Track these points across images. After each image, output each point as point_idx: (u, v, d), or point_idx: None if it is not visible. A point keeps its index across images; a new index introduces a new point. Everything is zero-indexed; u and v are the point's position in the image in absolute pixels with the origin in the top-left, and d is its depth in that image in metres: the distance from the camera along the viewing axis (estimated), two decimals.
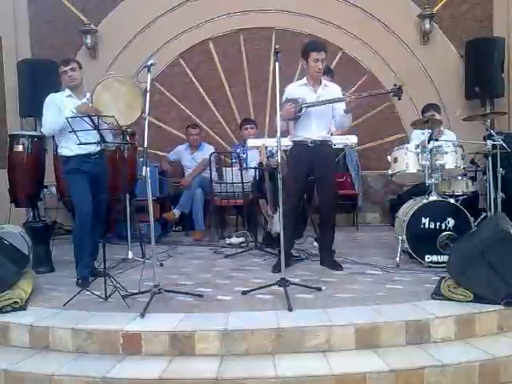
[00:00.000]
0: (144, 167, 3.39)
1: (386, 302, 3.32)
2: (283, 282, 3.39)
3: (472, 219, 4.25)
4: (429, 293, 3.43)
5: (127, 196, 4.93)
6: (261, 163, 5.14)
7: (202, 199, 6.11)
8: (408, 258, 4.36)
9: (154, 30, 6.95)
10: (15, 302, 3.36)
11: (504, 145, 4.66)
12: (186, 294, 3.56)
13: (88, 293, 3.52)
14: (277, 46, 3.69)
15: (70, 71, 4.08)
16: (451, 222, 4.18)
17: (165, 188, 6.51)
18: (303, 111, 4.18)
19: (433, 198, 4.30)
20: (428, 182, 4.35)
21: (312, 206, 5.21)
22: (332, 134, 5.18)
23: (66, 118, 3.74)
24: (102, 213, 4.19)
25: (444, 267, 3.84)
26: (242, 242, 5.51)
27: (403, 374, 2.72)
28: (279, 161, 3.52)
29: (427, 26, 6.71)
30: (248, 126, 6.22)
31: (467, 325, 3.08)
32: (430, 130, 4.54)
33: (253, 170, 5.73)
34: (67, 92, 4.15)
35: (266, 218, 5.31)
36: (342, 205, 6.64)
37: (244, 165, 5.90)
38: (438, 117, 5.19)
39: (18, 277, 3.65)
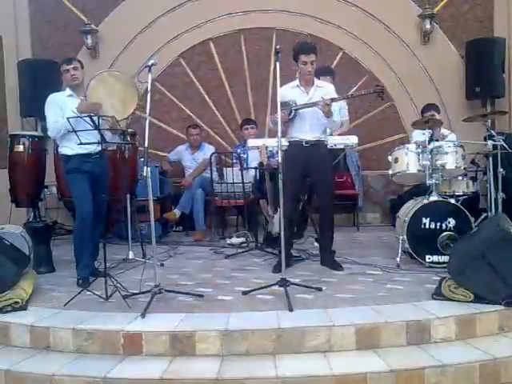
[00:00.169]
0: (145, 167, 3.39)
1: (387, 302, 3.32)
2: (284, 282, 3.39)
3: (472, 219, 4.25)
4: (429, 293, 3.43)
5: (128, 196, 4.93)
6: (261, 163, 5.14)
7: (203, 199, 6.11)
8: (408, 258, 4.36)
9: (155, 30, 6.95)
10: (16, 302, 3.36)
11: (504, 145, 4.66)
12: (187, 294, 3.56)
13: (89, 293, 3.53)
14: (277, 46, 3.69)
15: (73, 70, 4.09)
16: (452, 222, 4.18)
17: (165, 188, 6.51)
18: (292, 114, 4.18)
19: (433, 198, 4.30)
20: (428, 182, 4.36)
21: (312, 206, 5.21)
22: (332, 134, 5.22)
23: (67, 118, 3.74)
24: (103, 213, 4.18)
25: (444, 267, 3.84)
26: (243, 242, 5.51)
27: (404, 374, 2.72)
28: (280, 161, 3.53)
29: (428, 26, 6.70)
30: (248, 126, 6.22)
31: (468, 325, 3.08)
32: (430, 131, 4.55)
33: (253, 170, 5.73)
34: (68, 92, 4.16)
35: (266, 218, 5.31)
36: (342, 205, 6.66)
37: (244, 165, 5.90)
38: (437, 117, 5.19)
39: (18, 277, 3.66)
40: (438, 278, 3.64)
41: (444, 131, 5.29)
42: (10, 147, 4.62)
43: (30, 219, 4.78)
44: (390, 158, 4.68)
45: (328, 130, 5.15)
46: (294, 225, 4.69)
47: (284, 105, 4.21)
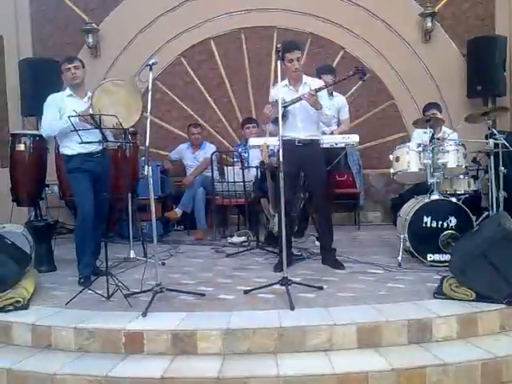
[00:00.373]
0: (146, 166, 3.39)
1: (388, 300, 3.32)
2: (285, 281, 3.39)
3: (474, 218, 4.25)
4: (431, 292, 3.43)
5: (129, 195, 4.93)
6: (262, 162, 5.14)
7: (204, 198, 6.11)
8: (410, 257, 4.36)
9: (156, 29, 6.95)
10: (17, 301, 3.36)
11: (506, 143, 4.65)
12: (188, 293, 3.57)
13: (90, 292, 3.53)
14: (278, 45, 3.70)
15: (74, 69, 4.08)
16: (453, 220, 4.18)
17: (166, 187, 6.52)
18: (281, 112, 4.16)
19: (435, 196, 4.30)
20: (430, 180, 4.35)
21: (313, 205, 5.20)
22: (332, 133, 5.22)
23: (69, 117, 3.74)
24: (104, 212, 4.19)
25: (446, 266, 3.84)
26: (244, 241, 5.51)
27: (405, 373, 2.71)
28: (281, 160, 3.52)
29: (429, 24, 6.69)
30: (250, 125, 6.22)
31: (469, 324, 3.08)
32: (431, 129, 4.54)
33: (254, 169, 5.73)
34: (68, 91, 4.15)
35: (267, 217, 5.31)
36: (343, 203, 6.67)
37: (246, 164, 5.90)
38: (439, 115, 5.18)
39: (19, 276, 3.66)
40: (440, 277, 3.64)
41: (445, 130, 5.29)
42: (11, 146, 4.62)
43: (32, 218, 4.78)
44: (391, 156, 4.67)
45: (326, 129, 5.18)
46: (293, 224, 4.69)
47: (274, 104, 4.23)
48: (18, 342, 3.15)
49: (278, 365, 2.78)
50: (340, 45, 6.92)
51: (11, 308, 3.34)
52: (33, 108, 6.18)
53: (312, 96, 4.08)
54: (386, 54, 6.86)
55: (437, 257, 4.16)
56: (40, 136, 4.64)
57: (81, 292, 3.51)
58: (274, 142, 4.81)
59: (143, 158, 3.60)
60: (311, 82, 4.32)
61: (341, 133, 5.18)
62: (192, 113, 7.10)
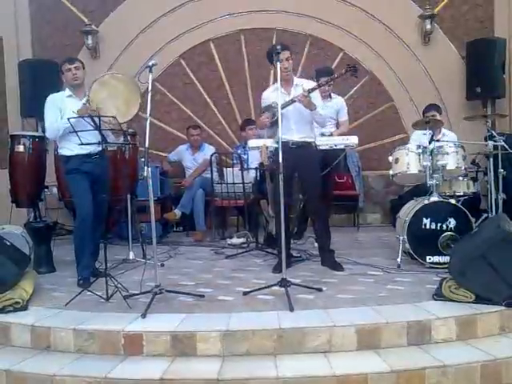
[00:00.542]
0: (145, 167, 3.39)
1: (387, 302, 3.32)
2: (284, 283, 3.39)
3: (473, 220, 4.25)
4: (430, 293, 3.43)
5: (128, 196, 4.93)
6: (262, 164, 5.14)
7: (203, 200, 6.11)
8: (409, 259, 4.36)
9: (155, 30, 6.95)
10: (16, 303, 3.36)
11: (505, 145, 4.67)
12: (188, 294, 3.56)
13: (89, 293, 3.53)
14: (278, 47, 3.69)
15: (75, 69, 4.08)
16: (452, 222, 4.18)
17: (166, 188, 6.52)
18: (276, 116, 4.16)
19: (434, 198, 4.30)
20: (429, 182, 4.36)
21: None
22: (332, 134, 5.22)
23: (68, 119, 3.74)
24: (103, 213, 4.18)
25: (445, 268, 3.84)
26: (243, 243, 5.51)
27: (404, 374, 2.71)
28: (280, 161, 3.52)
29: (428, 26, 6.71)
30: (252, 126, 6.21)
31: (468, 326, 3.08)
32: (430, 131, 4.55)
33: (254, 171, 5.73)
34: (68, 92, 4.15)
35: (266, 219, 5.31)
36: (342, 205, 6.66)
37: (245, 165, 5.90)
38: (438, 117, 5.19)
39: (19, 277, 3.66)
40: (439, 279, 3.64)
41: (445, 131, 5.30)
42: (10, 147, 4.62)
43: (31, 219, 4.77)
44: (390, 158, 4.68)
45: (326, 130, 5.18)
46: (290, 225, 4.69)
47: (268, 108, 4.26)
48: (17, 343, 3.14)
49: (277, 366, 2.77)
50: (339, 47, 6.93)
51: (10, 309, 3.33)
52: (32, 109, 6.18)
53: (305, 97, 4.08)
54: (386, 55, 6.87)
55: (436, 258, 4.16)
56: (39, 137, 4.65)
57: (80, 293, 3.50)
58: (273, 143, 4.82)
59: (143, 160, 3.61)
60: (302, 83, 4.32)
61: (340, 134, 5.18)
62: (191, 114, 7.11)
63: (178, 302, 3.46)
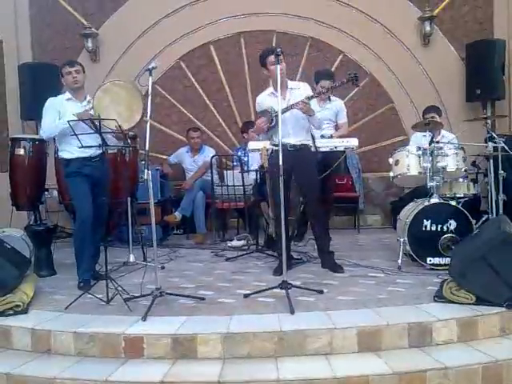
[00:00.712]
0: (146, 170, 3.39)
1: (388, 304, 3.32)
2: (285, 285, 3.38)
3: (473, 221, 4.24)
4: (431, 295, 3.42)
5: (128, 199, 4.92)
6: (262, 166, 5.14)
7: (204, 202, 6.11)
8: (410, 261, 4.35)
9: (155, 33, 6.96)
10: (17, 306, 3.35)
11: (505, 147, 4.67)
12: (188, 297, 3.56)
13: (90, 296, 3.53)
14: (278, 49, 3.69)
15: (75, 73, 4.09)
16: (453, 224, 4.17)
17: (166, 191, 6.52)
18: (274, 122, 4.16)
19: (434, 200, 4.30)
20: (429, 184, 4.36)
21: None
22: (332, 137, 5.22)
23: (68, 122, 3.74)
24: (103, 216, 4.18)
25: (446, 269, 3.84)
26: (244, 245, 5.50)
27: (406, 376, 2.71)
28: (281, 163, 3.52)
29: (428, 28, 6.71)
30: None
31: (469, 327, 3.07)
32: (430, 133, 4.55)
33: (254, 173, 5.73)
34: (67, 95, 4.15)
35: (267, 221, 5.30)
36: (343, 207, 6.67)
37: (245, 168, 5.90)
38: (438, 119, 5.19)
39: (19, 280, 3.66)
40: (440, 280, 3.64)
41: (444, 133, 5.30)
42: (10, 150, 4.62)
43: (31, 222, 4.77)
44: (390, 160, 4.68)
45: (326, 132, 5.19)
46: (289, 227, 4.68)
47: (264, 113, 4.25)
48: (18, 347, 3.14)
49: (278, 369, 2.77)
50: (339, 49, 6.93)
51: (11, 312, 3.32)
52: (32, 112, 6.18)
53: (306, 105, 4.09)
54: (385, 57, 6.88)
55: (437, 260, 4.16)
56: (39, 140, 4.65)
57: (80, 296, 3.51)
58: (273, 146, 4.82)
59: (143, 162, 3.61)
60: (298, 88, 4.31)
61: (340, 137, 5.18)
62: (191, 117, 7.11)
63: (178, 304, 3.46)
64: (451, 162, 4.42)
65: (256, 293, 3.56)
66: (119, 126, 3.74)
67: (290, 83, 4.35)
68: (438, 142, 4.64)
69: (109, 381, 2.72)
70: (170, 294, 3.49)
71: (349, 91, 6.67)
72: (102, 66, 6.86)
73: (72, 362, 2.94)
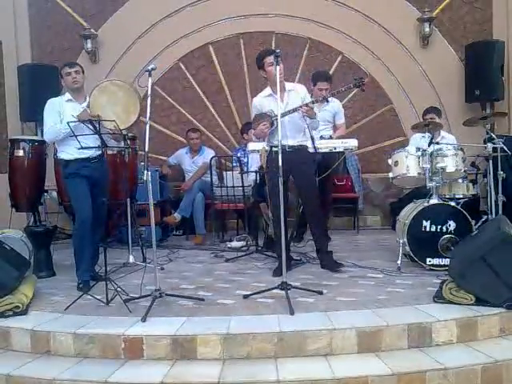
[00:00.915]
0: (145, 171, 3.39)
1: (388, 305, 3.32)
2: (284, 286, 3.39)
3: (473, 222, 4.25)
4: (430, 296, 3.42)
5: (128, 200, 4.92)
6: (261, 167, 5.14)
7: (203, 203, 6.10)
8: (409, 261, 4.35)
9: (154, 34, 6.96)
10: (16, 307, 3.35)
11: (505, 148, 4.67)
12: (188, 297, 3.56)
13: (89, 297, 3.53)
14: (277, 50, 3.70)
15: (75, 73, 4.09)
16: (452, 225, 4.18)
17: (165, 192, 6.52)
18: (275, 125, 4.14)
19: (434, 201, 4.30)
20: (429, 184, 4.36)
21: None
22: (331, 137, 5.23)
23: (68, 123, 3.74)
24: (102, 217, 4.18)
25: (445, 270, 3.85)
26: (243, 246, 5.50)
27: (405, 377, 2.71)
28: (280, 164, 3.52)
29: (427, 29, 6.71)
30: None
31: (469, 328, 3.08)
32: (429, 134, 4.55)
33: (253, 174, 5.73)
34: (67, 96, 4.15)
35: (266, 222, 5.30)
36: (342, 208, 6.67)
37: (245, 168, 5.90)
38: (438, 120, 5.20)
39: (18, 281, 3.65)
40: (439, 281, 3.65)
41: (444, 134, 5.30)
42: (10, 152, 4.63)
43: (30, 224, 4.77)
44: (389, 161, 4.67)
45: (326, 133, 5.19)
46: (288, 228, 4.69)
47: (263, 116, 4.21)
48: (17, 348, 3.14)
49: (277, 370, 2.77)
50: (338, 50, 6.93)
51: (10, 313, 3.32)
52: (32, 113, 6.20)
53: (310, 109, 4.10)
54: (385, 58, 6.88)
55: (436, 261, 4.16)
56: (39, 141, 4.65)
57: (80, 297, 3.51)
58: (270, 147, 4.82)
59: (142, 163, 3.61)
60: (295, 90, 4.30)
61: (338, 137, 5.18)
62: (191, 118, 7.11)
63: (178, 305, 3.46)
64: (450, 162, 4.42)
65: (256, 294, 3.56)
66: (118, 126, 3.74)
67: (288, 85, 4.33)
68: (437, 143, 4.64)
69: (108, 382, 2.72)
70: (170, 295, 3.49)
71: (348, 92, 6.67)
72: (102, 67, 6.86)
73: (72, 363, 2.94)
